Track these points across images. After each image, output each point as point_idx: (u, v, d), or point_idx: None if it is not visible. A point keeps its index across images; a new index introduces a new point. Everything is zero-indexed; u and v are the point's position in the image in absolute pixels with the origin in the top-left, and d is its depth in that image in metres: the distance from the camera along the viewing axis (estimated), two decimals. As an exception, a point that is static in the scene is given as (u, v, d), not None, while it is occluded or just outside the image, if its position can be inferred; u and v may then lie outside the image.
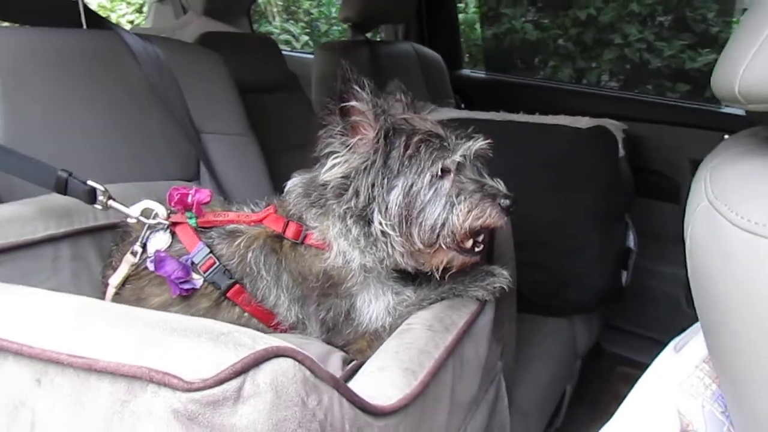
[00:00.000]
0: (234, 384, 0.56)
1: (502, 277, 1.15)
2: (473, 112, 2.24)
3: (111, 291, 1.13)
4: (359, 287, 1.07)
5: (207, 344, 0.59)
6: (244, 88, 1.98)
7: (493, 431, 1.24)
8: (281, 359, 0.60)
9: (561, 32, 4.24)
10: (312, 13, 5.89)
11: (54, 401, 0.63)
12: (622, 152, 2.32)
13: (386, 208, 1.01)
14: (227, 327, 0.63)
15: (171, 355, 0.58)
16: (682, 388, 0.92)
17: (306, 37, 5.62)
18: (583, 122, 1.98)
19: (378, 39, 3.19)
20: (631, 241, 2.07)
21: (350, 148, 1.03)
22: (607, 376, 2.46)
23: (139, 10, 6.07)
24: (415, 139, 1.02)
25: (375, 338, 1.08)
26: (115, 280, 1.12)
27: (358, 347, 1.09)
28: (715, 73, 0.68)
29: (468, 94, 3.17)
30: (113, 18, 6.07)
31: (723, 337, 0.58)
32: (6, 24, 1.59)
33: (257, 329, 1.10)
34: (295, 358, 0.61)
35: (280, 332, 1.12)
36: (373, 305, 1.08)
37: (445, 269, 1.08)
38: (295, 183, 1.13)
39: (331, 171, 1.04)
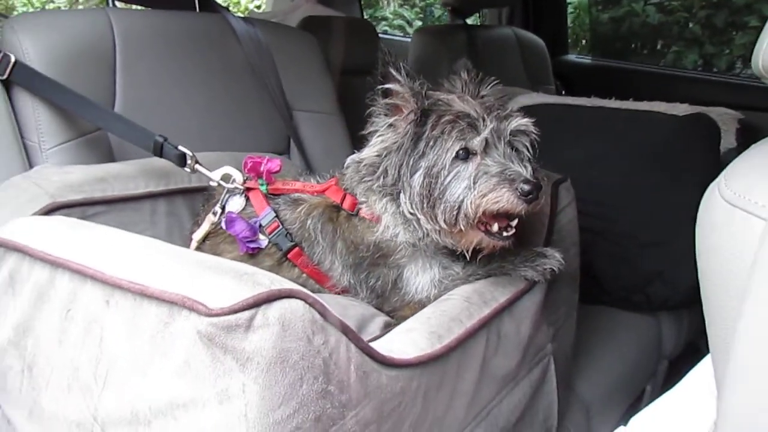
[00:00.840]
0: (246, 314, 0.65)
1: (554, 260, 1.16)
2: (562, 97, 2.19)
3: (193, 245, 1.28)
4: (407, 259, 1.13)
5: (231, 280, 0.69)
6: (340, 70, 2.10)
7: (538, 412, 1.26)
8: (292, 299, 0.69)
9: (688, 15, 3.96)
10: (427, -1, 5.95)
11: (117, 320, 0.77)
12: (733, 143, 2.17)
13: (410, 188, 1.05)
14: (253, 269, 0.73)
15: (202, 286, 0.69)
16: None
17: (420, 23, 5.69)
18: (681, 109, 1.87)
19: (479, 23, 3.18)
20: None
21: (390, 128, 1.09)
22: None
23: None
24: (443, 119, 1.04)
25: (419, 308, 1.13)
26: (197, 235, 1.28)
27: (402, 315, 1.15)
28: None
29: (572, 81, 3.08)
30: (243, 3, 6.52)
31: (706, 300, 0.59)
32: (127, 6, 1.82)
33: (313, 289, 1.21)
34: (305, 301, 0.70)
35: (334, 293, 1.21)
36: (420, 277, 1.14)
37: (477, 251, 1.10)
38: (352, 158, 1.20)
39: (370, 149, 1.10)
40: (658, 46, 4.11)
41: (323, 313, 0.72)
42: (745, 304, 0.52)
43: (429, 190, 1.03)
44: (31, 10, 6.55)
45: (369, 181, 1.11)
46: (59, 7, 6.75)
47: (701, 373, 0.96)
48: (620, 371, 1.82)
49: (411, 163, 1.04)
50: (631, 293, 1.92)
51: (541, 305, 1.18)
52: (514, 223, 1.06)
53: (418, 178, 1.04)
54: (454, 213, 1.02)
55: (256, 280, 0.69)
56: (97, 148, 1.41)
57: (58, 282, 0.84)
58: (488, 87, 1.18)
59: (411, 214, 1.06)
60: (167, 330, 0.71)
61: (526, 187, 0.98)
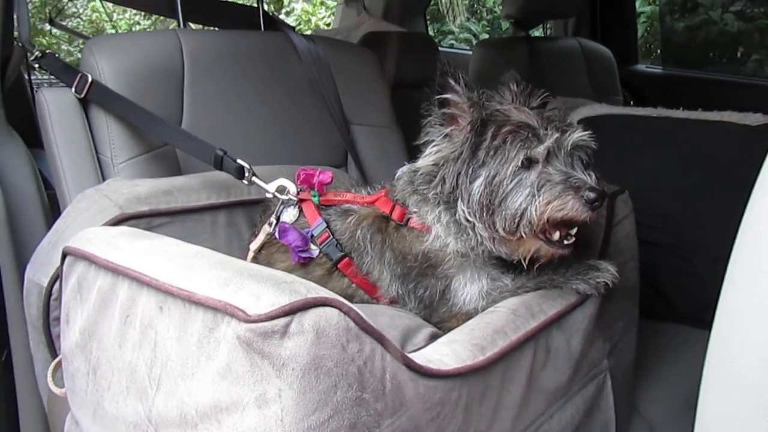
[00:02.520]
0: (282, 321, 0.68)
1: (607, 273, 1.13)
2: (626, 107, 2.12)
3: (250, 254, 1.33)
4: (455, 270, 1.14)
5: (270, 288, 0.72)
6: (400, 84, 2.13)
7: (593, 430, 1.22)
8: (327, 308, 0.71)
9: (769, 21, 3.76)
10: (495, 11, 5.91)
11: (169, 325, 0.81)
12: (814, 157, 2.03)
13: (469, 196, 1.05)
14: (292, 278, 0.76)
15: (243, 293, 0.72)
16: None
17: (486, 36, 5.67)
18: (753, 119, 1.77)
19: (544, 35, 3.14)
20: (809, 256, 1.81)
21: (445, 138, 1.10)
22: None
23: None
24: (504, 129, 1.05)
25: (467, 319, 1.13)
26: (254, 245, 1.33)
27: (449, 326, 1.14)
28: None
29: (642, 91, 2.98)
30: (313, 21, 6.72)
31: None
32: (195, 26, 1.93)
33: (362, 299, 1.24)
34: (340, 309, 0.71)
35: (383, 304, 1.23)
36: (468, 288, 1.14)
37: (534, 260, 1.09)
38: (404, 170, 1.22)
39: (425, 158, 1.11)
40: (738, 55, 3.92)
41: (358, 321, 0.73)
42: None
43: (490, 198, 1.03)
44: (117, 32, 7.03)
45: (424, 190, 1.12)
46: (144, 29, 7.22)
47: None
48: (688, 391, 1.71)
49: (470, 171, 1.05)
50: (701, 310, 1.81)
51: (594, 319, 1.15)
52: (574, 231, 1.05)
53: (477, 186, 1.05)
54: (516, 220, 1.02)
55: (294, 288, 0.72)
56: (164, 162, 1.50)
57: (119, 288, 0.90)
58: (539, 99, 1.18)
59: (467, 221, 1.06)
60: (212, 335, 0.75)
61: (592, 195, 0.99)
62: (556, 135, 1.04)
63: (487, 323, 0.99)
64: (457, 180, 1.06)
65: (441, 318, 1.17)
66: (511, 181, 1.03)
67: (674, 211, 1.82)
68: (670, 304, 1.85)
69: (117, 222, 1.21)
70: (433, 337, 1.08)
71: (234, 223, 1.44)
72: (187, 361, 0.78)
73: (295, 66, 1.81)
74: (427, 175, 1.11)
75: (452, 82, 1.06)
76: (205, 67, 1.63)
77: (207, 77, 1.63)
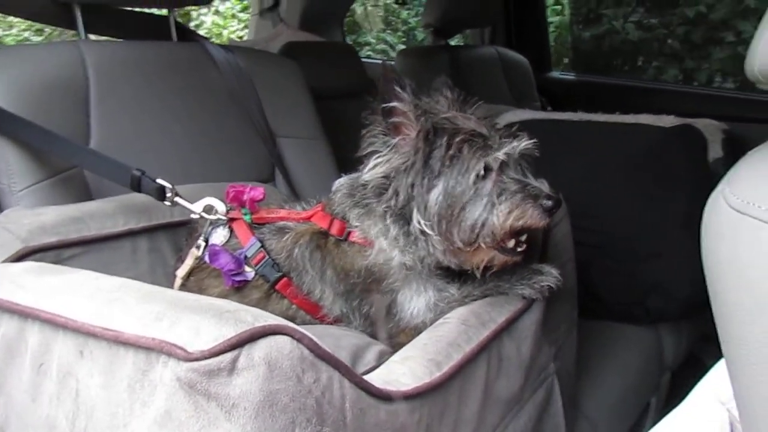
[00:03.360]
0: (229, 356, 0.60)
1: (550, 276, 1.12)
2: (549, 113, 2.18)
3: (178, 282, 1.23)
4: (400, 284, 1.09)
5: (211, 320, 0.64)
6: (323, 95, 2.07)
7: (545, 435, 1.21)
8: (278, 336, 0.64)
9: (666, 31, 4.03)
10: (410, 23, 5.98)
11: (93, 370, 0.71)
12: (720, 153, 2.17)
13: (425, 207, 1.02)
14: (235, 306, 0.68)
15: (179, 328, 0.64)
16: None
17: (403, 47, 5.72)
18: (667, 121, 1.86)
19: (462, 44, 3.19)
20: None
21: (392, 148, 1.05)
22: (704, 392, 2.28)
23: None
24: (458, 138, 1.02)
25: (416, 333, 1.08)
26: (181, 272, 1.22)
27: (398, 341, 1.10)
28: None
29: (557, 97, 3.09)
30: (225, 34, 6.53)
31: (719, 311, 0.55)
32: (100, 38, 1.78)
33: (305, 321, 1.17)
34: (292, 336, 0.65)
35: (326, 324, 1.16)
36: (414, 302, 1.10)
37: (486, 268, 1.07)
38: (341, 183, 1.17)
39: (372, 171, 1.06)
40: (639, 62, 4.17)
41: (313, 348, 0.67)
42: (763, 316, 0.49)
43: (450, 210, 1.00)
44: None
45: (373, 203, 1.08)
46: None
47: (707, 385, 0.93)
48: (624, 386, 1.77)
49: (425, 182, 1.01)
50: (629, 306, 1.89)
51: (541, 324, 1.14)
52: (524, 238, 1.05)
53: (435, 197, 1.01)
54: (477, 231, 1.00)
55: (238, 317, 0.65)
56: (72, 187, 1.36)
57: (28, 334, 0.79)
58: (474, 107, 1.16)
59: (422, 234, 1.03)
60: (146, 378, 0.66)
61: (549, 203, 1.00)
62: (508, 143, 1.02)
63: (440, 336, 0.95)
64: (411, 191, 1.02)
65: (389, 334, 1.12)
66: (470, 191, 1.00)
67: (599, 212, 1.88)
68: (600, 302, 1.89)
69: (20, 257, 1.07)
70: (382, 355, 1.03)
71: (157, 248, 1.33)
72: (118, 411, 0.68)
73: (214, 78, 1.71)
74: (377, 188, 1.06)
75: (398, 89, 1.02)
76: (113, 82, 1.50)
77: (115, 92, 1.50)
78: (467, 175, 1.00)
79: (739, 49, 3.40)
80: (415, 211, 1.02)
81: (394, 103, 1.03)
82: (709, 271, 0.56)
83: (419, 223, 1.02)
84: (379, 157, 1.06)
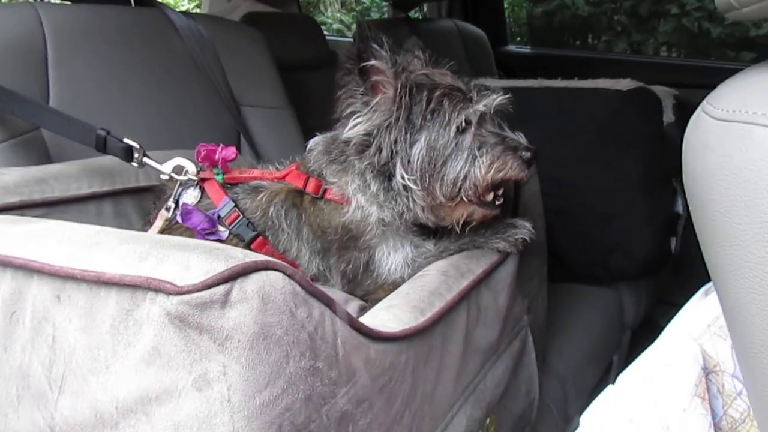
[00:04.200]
0: (221, 289, 0.59)
1: (524, 229, 1.15)
2: (509, 80, 2.21)
3: (147, 244, 1.19)
4: (378, 240, 1.09)
5: (200, 255, 0.62)
6: (286, 66, 2.04)
7: (521, 385, 1.24)
8: (270, 271, 0.63)
9: (614, 5, 4.11)
10: (364, 2, 5.95)
11: (71, 315, 0.69)
12: (672, 118, 2.24)
13: (408, 162, 1.02)
14: (222, 246, 0.67)
15: (167, 264, 0.62)
16: (711, 330, 0.90)
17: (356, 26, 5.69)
18: (623, 84, 1.91)
19: (419, 17, 3.19)
20: (680, 206, 1.99)
21: (372, 107, 1.05)
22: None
23: (199, 6, 6.30)
24: (437, 93, 1.03)
25: (394, 289, 1.09)
26: (150, 233, 1.19)
27: (376, 297, 1.10)
28: None
29: (513, 70, 3.13)
30: (182, 8, 6.34)
31: (707, 231, 0.57)
32: (57, 1, 1.71)
33: (281, 279, 1.15)
34: (284, 272, 0.64)
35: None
36: (392, 257, 1.10)
37: (466, 223, 1.08)
38: (316, 141, 1.16)
39: (353, 129, 1.05)
40: (589, 37, 4.25)
41: (304, 284, 0.66)
42: (758, 212, 0.49)
43: (432, 164, 1.01)
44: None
45: (350, 159, 1.07)
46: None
47: (678, 323, 0.96)
48: (589, 344, 1.83)
49: (408, 137, 1.02)
50: (591, 267, 1.95)
51: (515, 276, 1.16)
52: (501, 192, 1.06)
53: (417, 151, 1.01)
54: (459, 184, 1.01)
55: (229, 253, 0.63)
56: (31, 150, 1.30)
57: (-1, 282, 0.75)
58: (446, 66, 1.16)
59: (404, 188, 1.03)
60: (131, 317, 0.64)
61: (528, 154, 1.02)
62: (486, 97, 1.03)
63: (421, 286, 0.96)
64: (394, 147, 1.02)
65: (366, 291, 1.12)
66: (451, 145, 1.01)
67: (560, 175, 1.91)
68: (564, 264, 1.94)
69: (-19, 217, 1.03)
70: (362, 309, 1.04)
71: (123, 213, 1.29)
72: (99, 353, 0.66)
73: (175, 44, 1.66)
74: (360, 146, 1.05)
75: (375, 47, 1.01)
76: (72, 44, 1.44)
77: (74, 55, 1.44)
78: (448, 128, 1.01)
79: (684, 21, 3.51)
80: (399, 165, 1.03)
81: (373, 62, 1.03)
82: (695, 183, 0.58)
83: (402, 177, 1.03)
84: (359, 116, 1.05)
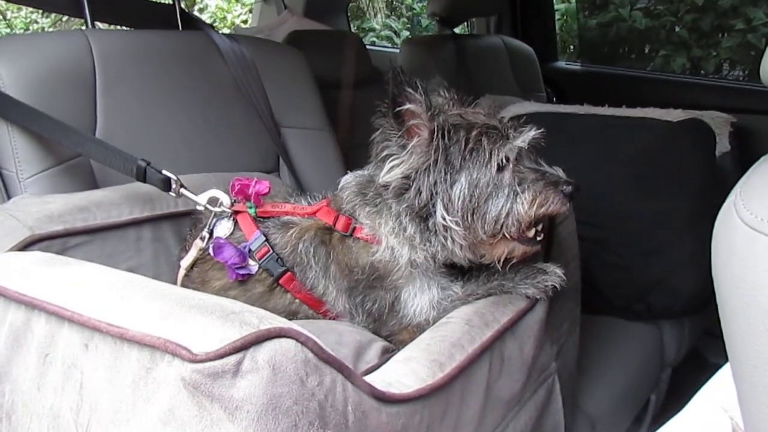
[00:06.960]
0: (233, 359, 0.61)
1: (554, 276, 1.12)
2: (554, 105, 2.16)
3: (181, 272, 1.23)
4: (405, 281, 1.09)
5: (216, 321, 0.64)
6: (329, 84, 2.06)
7: (545, 433, 1.22)
8: (282, 339, 0.64)
9: (674, 19, 3.97)
10: (414, 9, 5.94)
11: (97, 364, 0.72)
12: (727, 147, 2.15)
13: (450, 202, 1.02)
14: (240, 307, 0.68)
15: (185, 328, 0.64)
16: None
17: (407, 33, 5.68)
18: (675, 115, 1.85)
19: (467, 33, 3.17)
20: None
21: (408, 150, 1.04)
22: (707, 388, 2.28)
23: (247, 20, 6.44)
24: (474, 132, 1.03)
25: (418, 331, 1.09)
26: (185, 262, 1.23)
27: (401, 338, 1.11)
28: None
29: (562, 87, 3.06)
30: (229, 18, 6.49)
31: (729, 328, 0.55)
32: (105, 26, 1.77)
33: (308, 315, 1.17)
34: (297, 339, 0.65)
35: (329, 319, 1.16)
36: (418, 299, 1.10)
37: (506, 260, 1.08)
38: (348, 180, 1.16)
39: (390, 173, 1.05)
40: (646, 50, 4.12)
41: (317, 351, 0.67)
42: None
43: (474, 203, 1.02)
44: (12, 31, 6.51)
45: (387, 202, 1.08)
46: (42, 28, 6.70)
47: (709, 391, 0.93)
48: (624, 382, 1.78)
49: (448, 178, 1.03)
50: (631, 302, 1.89)
51: (544, 323, 1.14)
52: (541, 227, 1.06)
53: (458, 191, 1.02)
54: (501, 221, 1.02)
55: (244, 319, 0.65)
56: (78, 175, 1.36)
57: (34, 324, 0.79)
58: (473, 104, 1.16)
59: (445, 229, 1.03)
60: (150, 376, 0.66)
61: (569, 188, 1.02)
62: (522, 134, 1.04)
63: (443, 336, 0.95)
64: (434, 188, 1.02)
65: (391, 331, 1.12)
66: (492, 182, 1.02)
67: (603, 207, 1.87)
68: (602, 297, 1.89)
69: (27, 245, 1.08)
70: (385, 352, 1.04)
71: (161, 238, 1.33)
72: (121, 405, 0.69)
73: (219, 67, 1.70)
74: (399, 189, 1.06)
75: (409, 90, 1.01)
76: (119, 71, 1.49)
77: (121, 81, 1.49)
78: (489, 166, 1.02)
79: (749, 37, 3.35)
80: (439, 207, 1.03)
81: (408, 106, 1.03)
82: (719, 286, 0.56)
83: (443, 218, 1.03)
84: (395, 158, 1.05)
